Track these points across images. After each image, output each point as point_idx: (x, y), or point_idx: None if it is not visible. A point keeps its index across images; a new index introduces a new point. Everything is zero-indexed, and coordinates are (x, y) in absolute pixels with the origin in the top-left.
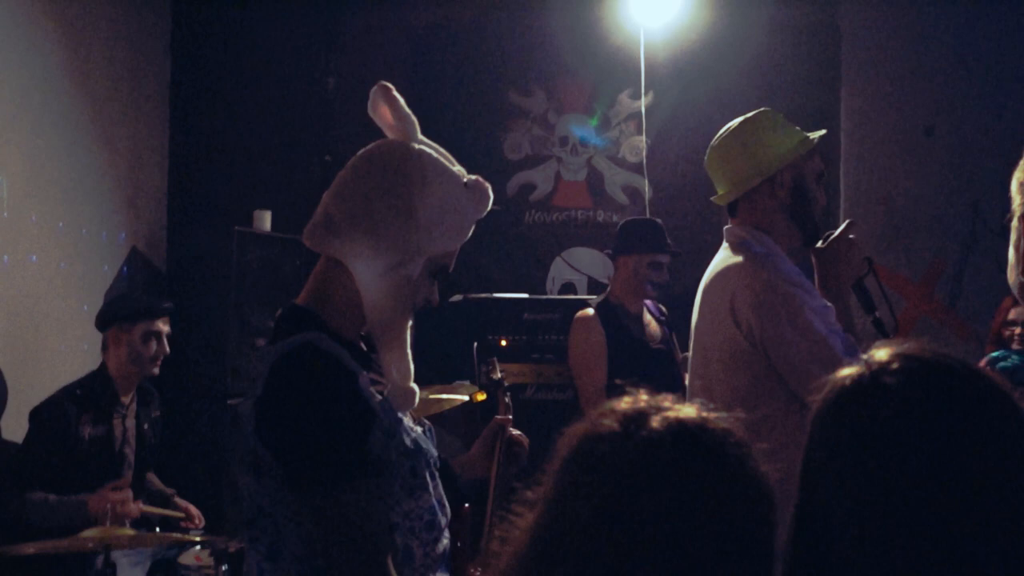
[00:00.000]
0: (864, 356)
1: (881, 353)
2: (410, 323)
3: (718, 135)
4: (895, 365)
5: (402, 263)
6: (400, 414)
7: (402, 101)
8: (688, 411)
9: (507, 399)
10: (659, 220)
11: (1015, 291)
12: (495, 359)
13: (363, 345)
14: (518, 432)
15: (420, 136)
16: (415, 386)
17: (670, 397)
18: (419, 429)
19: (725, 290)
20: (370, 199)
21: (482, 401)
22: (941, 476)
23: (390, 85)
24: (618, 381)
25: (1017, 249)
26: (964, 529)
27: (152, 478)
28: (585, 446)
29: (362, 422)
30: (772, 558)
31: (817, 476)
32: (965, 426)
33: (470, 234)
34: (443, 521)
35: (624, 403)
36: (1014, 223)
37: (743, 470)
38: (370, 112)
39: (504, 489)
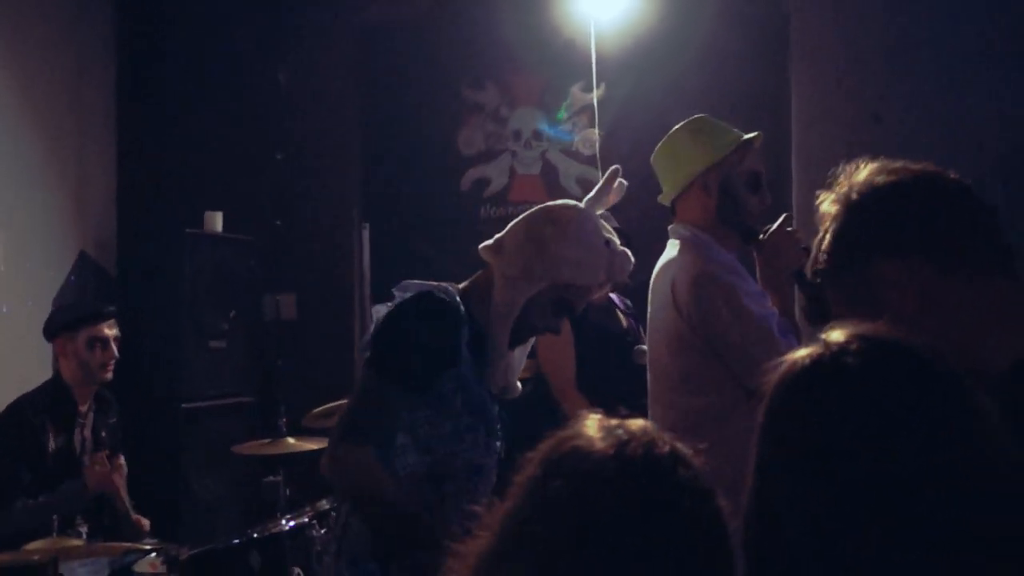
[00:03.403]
0: (822, 336)
1: (837, 334)
2: (517, 341)
3: (662, 140)
4: (854, 346)
5: (527, 279)
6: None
7: (619, 192)
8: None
9: None
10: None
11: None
12: None
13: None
14: None
15: (595, 209)
16: (518, 383)
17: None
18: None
19: (667, 280)
20: (527, 233)
21: None
22: (905, 458)
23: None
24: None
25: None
26: (926, 511)
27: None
28: (561, 462)
29: (444, 359)
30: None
31: (772, 458)
32: (926, 408)
33: (599, 282)
34: (482, 483)
35: (599, 420)
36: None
37: (696, 487)
38: (605, 177)
39: None
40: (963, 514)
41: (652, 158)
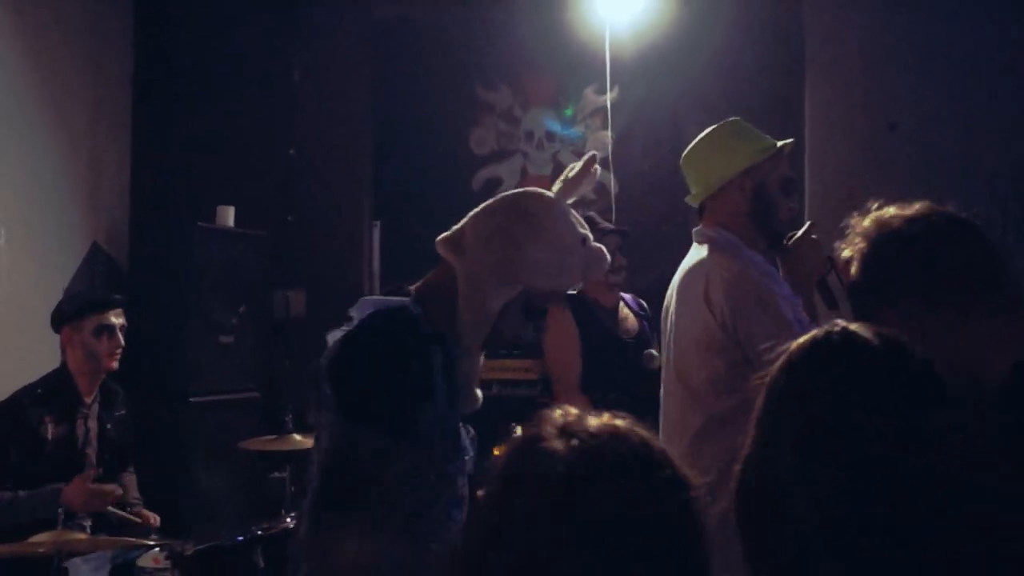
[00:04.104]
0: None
1: (844, 322)
2: (485, 347)
3: (693, 142)
4: (868, 333)
5: (499, 286)
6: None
7: (592, 180)
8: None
9: None
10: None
11: None
12: None
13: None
14: None
15: (564, 201)
16: (478, 392)
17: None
18: (470, 434)
19: (698, 282)
20: (493, 232)
21: None
22: (909, 438)
23: (595, 160)
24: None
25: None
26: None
27: (129, 483)
28: (521, 456)
29: (420, 391)
30: (703, 547)
31: (780, 436)
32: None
33: (575, 283)
34: (457, 515)
35: (556, 415)
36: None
37: (666, 471)
38: (578, 166)
39: None
40: (951, 499)
41: (683, 159)
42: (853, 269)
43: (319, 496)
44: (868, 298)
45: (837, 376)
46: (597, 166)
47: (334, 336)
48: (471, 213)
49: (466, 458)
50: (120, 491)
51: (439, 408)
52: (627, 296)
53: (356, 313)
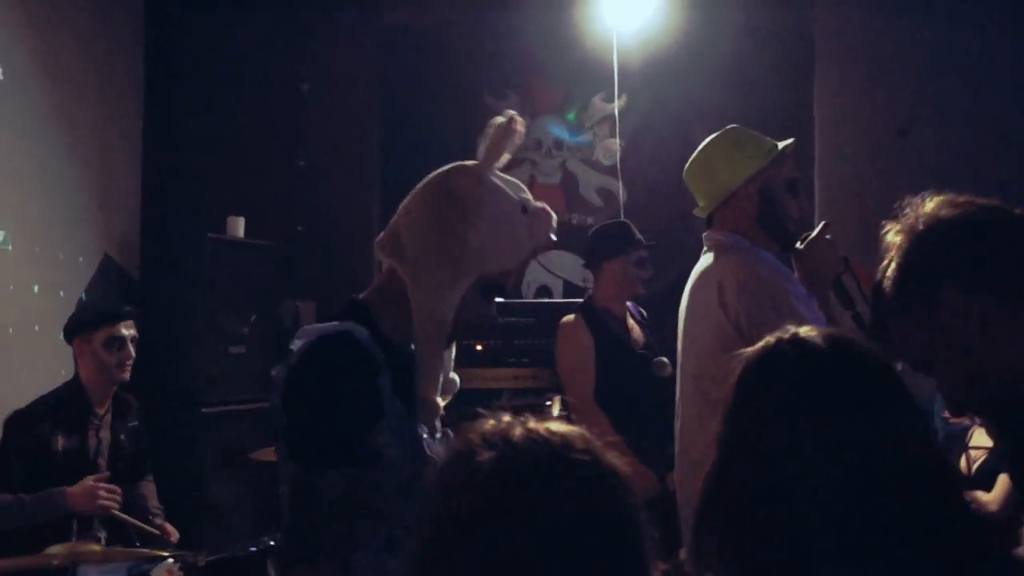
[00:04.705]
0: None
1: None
2: (452, 341)
3: (693, 155)
4: (817, 338)
5: (451, 281)
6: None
7: (515, 139)
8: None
9: None
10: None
11: None
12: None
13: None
14: None
15: (492, 169)
16: (439, 400)
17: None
18: (437, 436)
19: (711, 284)
20: (429, 221)
21: None
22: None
23: (517, 119)
24: None
25: None
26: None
27: (148, 492)
28: (451, 467)
29: (370, 415)
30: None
31: (789, 436)
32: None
33: (527, 255)
34: None
35: (488, 425)
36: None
37: (585, 471)
38: (493, 130)
39: None
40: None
41: (685, 172)
42: (894, 253)
43: (286, 555)
44: (922, 281)
45: (790, 383)
46: (519, 123)
47: (277, 372)
48: (401, 206)
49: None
50: (117, 505)
51: (393, 426)
52: (629, 304)
53: (295, 345)
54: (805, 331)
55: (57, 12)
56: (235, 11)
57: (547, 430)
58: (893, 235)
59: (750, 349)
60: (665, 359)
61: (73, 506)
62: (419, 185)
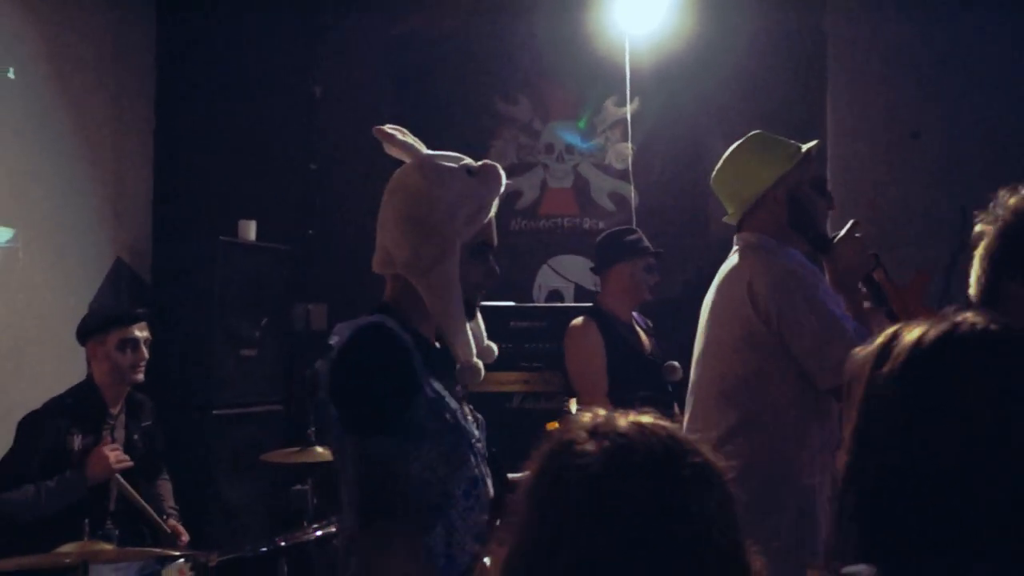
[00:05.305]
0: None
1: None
2: (472, 313)
3: (719, 163)
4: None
5: (440, 259)
6: (453, 401)
7: (399, 135)
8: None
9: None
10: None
11: None
12: None
13: (437, 344)
14: None
15: (425, 151)
16: (479, 361)
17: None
18: (468, 413)
19: (741, 281)
20: (399, 223)
21: None
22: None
23: (383, 128)
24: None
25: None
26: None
27: (164, 491)
28: (556, 460)
29: (407, 390)
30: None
31: (912, 428)
32: None
33: (493, 211)
34: (481, 494)
35: (586, 416)
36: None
37: (695, 459)
38: (387, 151)
39: None
40: None
41: (713, 180)
42: (981, 244)
43: (363, 515)
44: (994, 271)
45: (977, 369)
46: (397, 133)
47: (321, 367)
48: (378, 222)
49: (473, 440)
50: (129, 464)
51: (430, 399)
52: (634, 314)
53: (335, 339)
54: (974, 317)
55: (69, 16)
56: (246, 15)
57: (650, 422)
58: (981, 227)
59: (908, 337)
60: (676, 363)
61: (92, 476)
62: (383, 199)
